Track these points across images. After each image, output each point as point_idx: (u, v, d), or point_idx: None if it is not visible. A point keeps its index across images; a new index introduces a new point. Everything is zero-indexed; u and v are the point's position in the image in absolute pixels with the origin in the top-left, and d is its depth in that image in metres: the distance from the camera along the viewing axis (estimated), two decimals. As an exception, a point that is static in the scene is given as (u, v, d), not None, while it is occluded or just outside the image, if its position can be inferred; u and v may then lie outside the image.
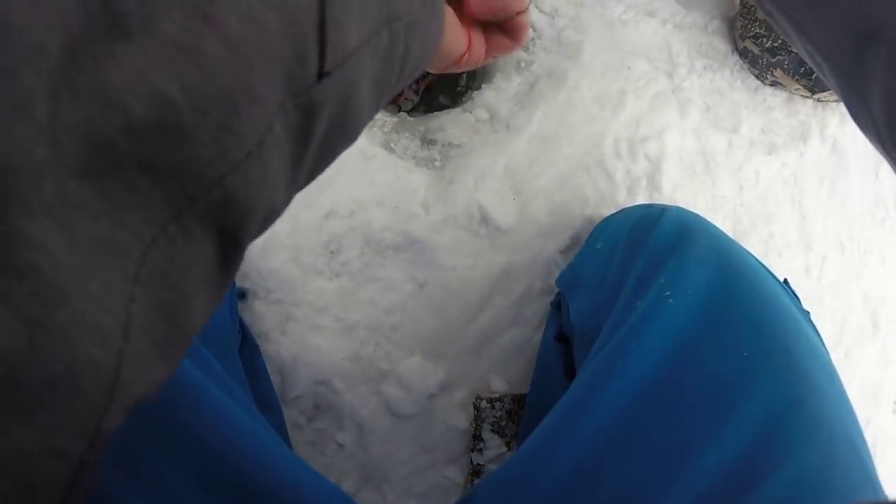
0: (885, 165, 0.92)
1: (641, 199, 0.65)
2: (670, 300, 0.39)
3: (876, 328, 0.87)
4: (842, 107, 0.87)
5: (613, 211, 0.61)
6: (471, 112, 0.60)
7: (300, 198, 0.55)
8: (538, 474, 0.34)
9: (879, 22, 0.25)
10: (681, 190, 0.70)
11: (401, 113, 0.61)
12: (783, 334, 0.37)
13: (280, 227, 0.53)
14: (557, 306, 0.57)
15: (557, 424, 0.36)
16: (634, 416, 0.35)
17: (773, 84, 0.81)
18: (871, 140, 0.29)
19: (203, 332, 0.43)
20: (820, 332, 0.83)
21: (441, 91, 0.72)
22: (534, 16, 0.68)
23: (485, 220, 0.55)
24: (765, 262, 0.82)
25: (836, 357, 0.85)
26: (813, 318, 0.82)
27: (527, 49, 0.66)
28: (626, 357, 0.37)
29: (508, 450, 0.56)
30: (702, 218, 0.49)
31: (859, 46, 0.26)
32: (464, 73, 0.65)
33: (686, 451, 0.33)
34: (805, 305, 0.84)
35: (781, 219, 0.82)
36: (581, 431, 0.34)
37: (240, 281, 0.53)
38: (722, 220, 0.75)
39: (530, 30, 0.68)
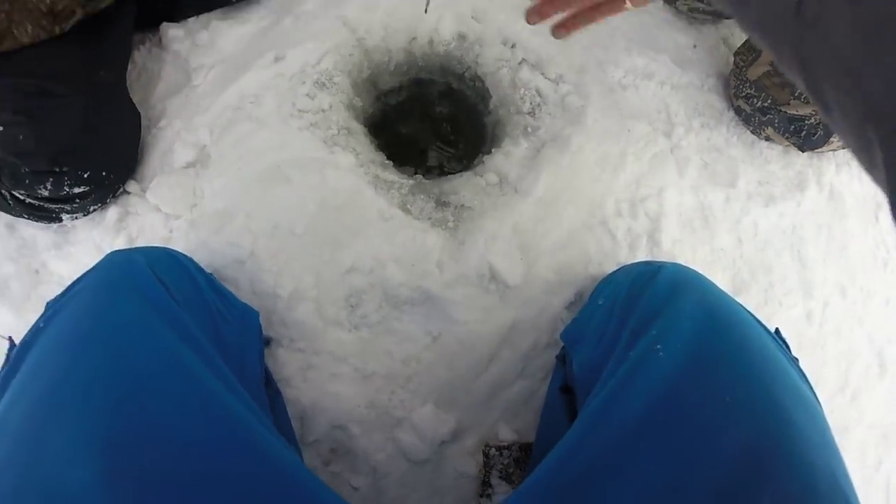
0: (885, 208, 0.95)
1: (642, 256, 0.68)
2: (661, 353, 0.42)
3: (883, 369, 0.88)
4: (837, 155, 0.91)
5: (616, 267, 0.65)
6: (482, 176, 0.64)
7: (324, 254, 0.59)
8: (550, 490, 0.38)
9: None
10: (680, 245, 0.73)
11: (417, 175, 0.66)
12: (767, 382, 0.40)
13: (305, 279, 0.58)
14: (563, 359, 0.60)
15: (567, 449, 0.40)
16: (625, 451, 0.39)
17: (768, 139, 0.85)
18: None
19: (240, 371, 0.49)
20: (824, 376, 0.86)
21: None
22: (539, 82, 0.74)
23: (494, 277, 0.59)
24: (765, 311, 0.85)
25: (843, 401, 0.86)
26: (817, 363, 0.85)
27: (532, 114, 0.72)
28: (617, 402, 0.41)
29: (515, 496, 0.58)
30: (697, 273, 0.53)
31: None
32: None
33: (672, 483, 0.36)
34: (808, 351, 0.87)
35: (781, 268, 0.85)
36: (580, 459, 0.39)
37: (266, 329, 0.57)
38: (721, 273, 0.78)
39: (536, 95, 0.73)
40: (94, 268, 0.49)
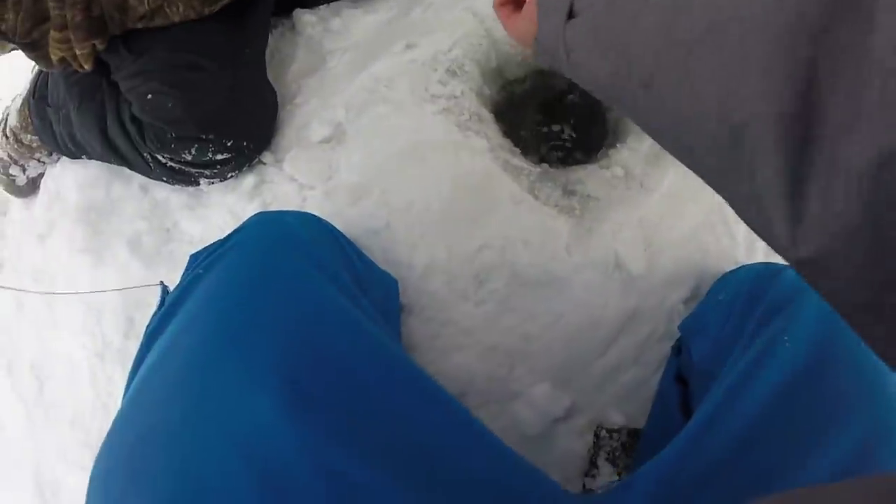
0: None
1: (759, 258, 0.69)
2: (787, 344, 0.44)
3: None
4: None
5: (733, 267, 0.66)
6: (607, 168, 0.66)
7: (458, 231, 0.63)
8: (688, 465, 0.41)
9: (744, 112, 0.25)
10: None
11: (543, 164, 0.69)
12: (884, 383, 0.42)
13: (439, 254, 0.61)
14: (677, 351, 0.62)
15: (704, 422, 0.42)
16: (749, 441, 0.41)
17: None
18: None
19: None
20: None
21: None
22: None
23: (619, 266, 0.61)
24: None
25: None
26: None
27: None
28: (743, 390, 0.43)
29: (619, 479, 0.60)
30: None
31: (734, 140, 0.26)
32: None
33: (796, 463, 0.38)
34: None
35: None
36: (724, 429, 0.41)
37: (402, 295, 0.61)
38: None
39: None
40: (243, 226, 0.50)
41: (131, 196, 0.86)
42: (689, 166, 0.30)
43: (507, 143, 0.69)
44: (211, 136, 0.73)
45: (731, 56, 0.24)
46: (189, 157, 0.75)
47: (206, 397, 0.35)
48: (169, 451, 0.33)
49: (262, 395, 0.34)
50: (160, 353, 0.39)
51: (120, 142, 0.78)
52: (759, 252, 0.69)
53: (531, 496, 0.40)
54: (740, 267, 0.64)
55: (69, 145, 0.83)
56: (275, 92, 0.79)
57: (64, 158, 0.90)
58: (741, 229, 0.69)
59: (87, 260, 0.85)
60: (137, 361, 0.43)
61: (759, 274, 0.56)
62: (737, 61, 0.23)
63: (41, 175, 0.94)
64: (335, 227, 0.59)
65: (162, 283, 0.71)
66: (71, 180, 0.89)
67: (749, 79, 0.23)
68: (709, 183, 0.29)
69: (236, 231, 0.50)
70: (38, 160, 0.92)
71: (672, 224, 0.64)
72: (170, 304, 0.43)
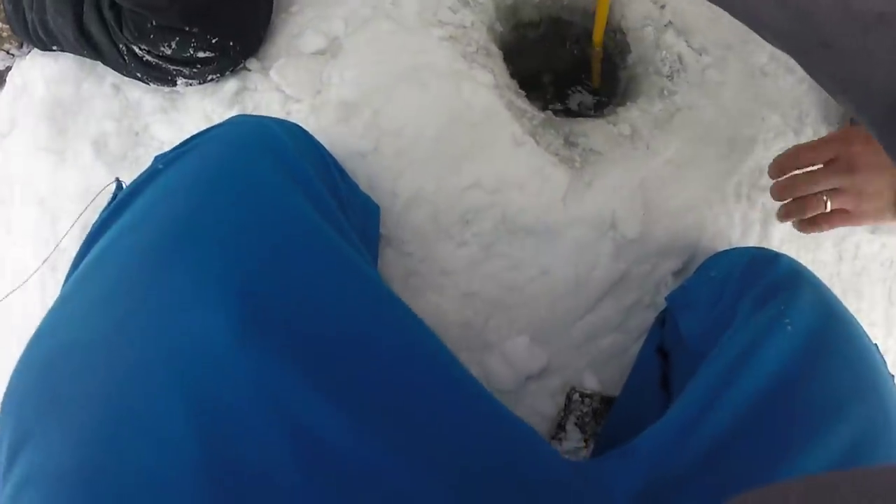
0: None
1: (752, 242, 0.67)
2: (788, 327, 0.42)
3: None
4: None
5: (726, 247, 0.64)
6: (614, 125, 0.63)
7: (450, 164, 0.58)
8: (694, 435, 0.38)
9: None
10: (787, 245, 0.72)
11: (547, 111, 0.64)
12: (876, 381, 0.41)
13: (426, 185, 0.57)
14: (662, 322, 0.59)
15: (701, 403, 0.39)
16: (759, 406, 0.39)
17: (891, 166, 0.82)
18: None
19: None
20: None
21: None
22: (682, 49, 0.71)
23: (614, 226, 0.58)
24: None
25: None
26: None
27: (671, 78, 0.69)
28: (747, 367, 0.41)
29: (585, 446, 0.58)
30: (810, 271, 0.53)
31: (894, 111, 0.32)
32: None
33: (791, 453, 0.36)
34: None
35: (870, 297, 0.82)
36: (729, 402, 0.38)
37: (382, 226, 0.56)
38: (816, 284, 0.77)
39: (677, 61, 0.71)
40: (217, 125, 0.44)
41: (102, 94, 0.80)
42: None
43: (513, 83, 0.65)
44: (195, 30, 0.66)
45: None
46: (168, 52, 0.68)
47: (142, 308, 0.29)
48: (93, 370, 0.27)
49: (209, 310, 0.29)
50: (96, 255, 0.34)
51: (94, 29, 0.71)
52: (754, 236, 0.67)
53: (526, 460, 0.35)
54: (733, 248, 0.62)
55: (40, 33, 0.76)
56: (271, -5, 0.73)
57: (35, 51, 0.82)
58: (739, 210, 0.67)
59: (48, 160, 0.79)
60: (74, 265, 0.37)
61: (755, 257, 0.54)
62: None
63: (9, 68, 0.87)
64: (321, 144, 0.54)
65: (118, 179, 0.65)
66: (39, 74, 0.82)
67: None
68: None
69: (209, 129, 0.44)
70: (7, 52, 0.84)
71: (673, 193, 0.61)
72: (119, 200, 0.37)
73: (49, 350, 0.30)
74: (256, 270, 0.31)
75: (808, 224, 0.56)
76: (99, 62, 0.75)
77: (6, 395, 0.30)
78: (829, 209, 0.53)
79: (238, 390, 0.27)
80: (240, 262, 0.31)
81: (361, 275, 0.36)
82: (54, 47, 0.78)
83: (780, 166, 0.56)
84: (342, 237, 0.38)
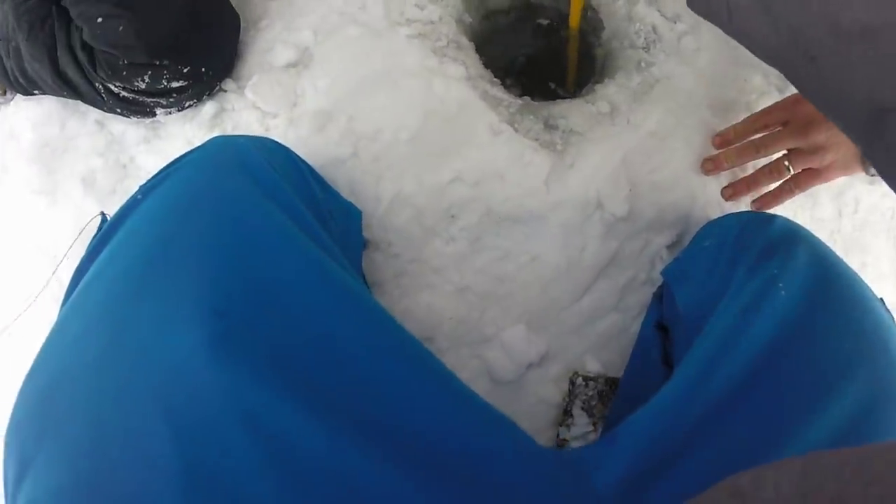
0: None
1: (745, 208, 0.66)
2: (782, 292, 0.41)
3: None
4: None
5: (719, 215, 0.63)
6: (592, 104, 0.62)
7: (429, 162, 0.58)
8: (677, 421, 0.37)
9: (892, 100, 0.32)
10: (782, 206, 0.70)
11: (524, 97, 0.64)
12: (880, 338, 0.40)
13: (408, 186, 0.56)
14: (659, 298, 0.58)
15: (693, 377, 0.38)
16: (751, 381, 0.38)
17: (883, 114, 0.80)
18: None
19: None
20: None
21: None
22: (655, 19, 0.70)
23: (601, 206, 0.57)
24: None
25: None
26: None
27: (647, 50, 0.68)
28: (742, 335, 0.40)
29: (594, 429, 0.57)
30: (807, 229, 0.51)
31: (875, 120, 0.33)
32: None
33: (787, 429, 0.35)
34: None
35: (875, 250, 0.81)
36: (720, 376, 0.38)
37: (365, 231, 0.56)
38: (817, 242, 0.75)
39: (651, 32, 0.70)
40: (191, 150, 0.45)
41: (87, 132, 0.81)
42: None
43: (486, 73, 0.64)
44: (165, 62, 0.67)
45: (885, 57, 0.30)
46: (143, 86, 0.69)
47: (123, 333, 0.31)
48: (82, 394, 0.30)
49: (183, 331, 0.30)
50: (82, 288, 0.36)
51: (70, 71, 0.72)
52: (745, 202, 0.66)
53: (501, 451, 0.35)
54: (726, 215, 0.61)
55: (20, 80, 0.78)
56: (237, 15, 0.73)
57: (18, 96, 0.84)
58: (728, 176, 0.66)
59: (41, 202, 0.81)
60: (65, 298, 0.39)
61: (748, 222, 0.53)
62: (889, 60, 0.30)
63: (-4, 115, 0.88)
64: (297, 155, 0.54)
65: (102, 213, 0.66)
66: (24, 117, 0.84)
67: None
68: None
69: (184, 154, 0.45)
70: (-8, 100, 0.86)
71: (658, 165, 0.60)
72: (103, 232, 0.39)
73: (43, 380, 0.32)
74: (228, 289, 0.33)
75: (772, 197, 0.54)
76: (80, 101, 0.76)
77: (9, 427, 0.32)
78: (792, 172, 0.52)
79: (212, 404, 0.28)
80: (213, 281, 0.33)
81: (332, 280, 0.37)
82: (35, 91, 0.79)
83: (725, 138, 0.55)
84: (317, 245, 0.39)
